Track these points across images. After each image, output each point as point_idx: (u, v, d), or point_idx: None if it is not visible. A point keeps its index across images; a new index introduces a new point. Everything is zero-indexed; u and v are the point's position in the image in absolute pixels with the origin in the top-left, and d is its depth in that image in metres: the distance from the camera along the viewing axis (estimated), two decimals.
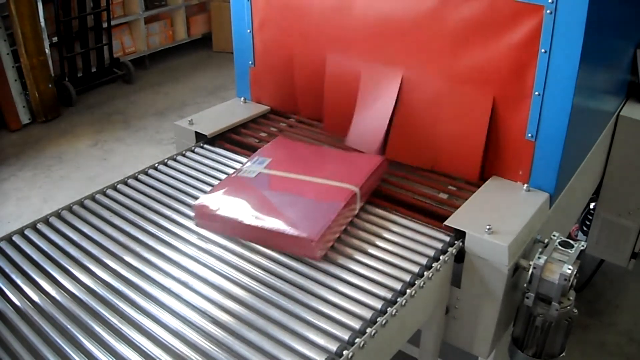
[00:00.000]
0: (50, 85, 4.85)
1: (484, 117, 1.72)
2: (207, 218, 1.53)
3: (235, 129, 2.11)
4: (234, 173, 1.70)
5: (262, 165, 1.70)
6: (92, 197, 1.72)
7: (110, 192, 1.75)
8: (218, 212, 1.51)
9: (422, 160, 1.86)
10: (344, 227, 1.54)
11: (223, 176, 1.81)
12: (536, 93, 1.60)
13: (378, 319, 1.23)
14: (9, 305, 1.30)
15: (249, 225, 1.46)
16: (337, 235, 1.51)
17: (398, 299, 1.30)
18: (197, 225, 1.55)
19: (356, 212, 1.60)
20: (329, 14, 1.94)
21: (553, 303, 1.48)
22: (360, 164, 1.72)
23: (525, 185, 1.71)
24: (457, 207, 1.62)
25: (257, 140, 2.05)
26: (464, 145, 1.78)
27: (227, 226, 1.51)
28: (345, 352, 1.13)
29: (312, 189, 1.59)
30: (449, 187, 1.78)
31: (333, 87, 2.00)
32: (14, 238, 1.54)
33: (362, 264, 1.44)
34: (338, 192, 1.56)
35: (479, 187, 1.72)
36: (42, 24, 4.81)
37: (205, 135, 2.01)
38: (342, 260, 1.45)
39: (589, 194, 2.45)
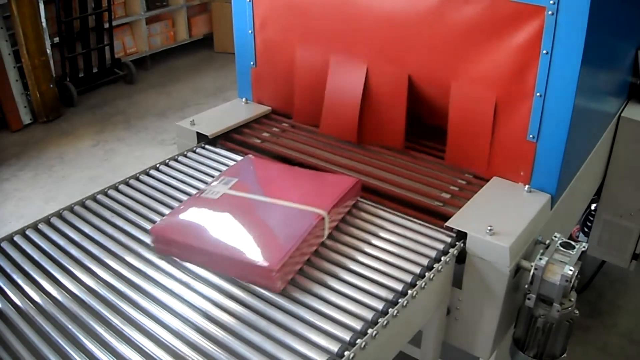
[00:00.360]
0: (51, 86, 4.86)
1: (487, 117, 1.72)
2: (164, 243, 1.43)
3: (237, 130, 2.11)
4: (197, 193, 1.60)
5: (228, 185, 1.60)
6: (93, 198, 1.72)
7: (111, 192, 1.75)
8: (175, 237, 1.41)
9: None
10: (309, 255, 1.43)
11: None
12: (538, 94, 1.60)
13: (379, 320, 1.23)
14: (10, 305, 1.30)
15: (205, 251, 1.37)
16: (301, 264, 1.40)
17: (399, 300, 1.30)
18: (155, 250, 1.45)
19: (324, 237, 1.49)
20: (331, 15, 1.94)
21: (554, 304, 1.48)
22: (331, 186, 1.61)
23: (527, 186, 1.70)
24: (458, 208, 1.62)
25: (258, 141, 2.05)
26: (472, 142, 1.80)
27: (184, 252, 1.41)
28: (346, 353, 1.13)
29: (277, 213, 1.49)
30: (451, 187, 1.77)
31: (334, 86, 2.01)
32: (15, 238, 1.54)
33: (364, 265, 1.44)
34: (304, 217, 1.45)
35: (480, 188, 1.72)
36: (44, 24, 4.81)
37: (207, 136, 2.01)
38: (343, 261, 1.45)
39: (590, 195, 2.45)
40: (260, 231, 1.42)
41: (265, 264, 1.29)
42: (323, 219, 1.46)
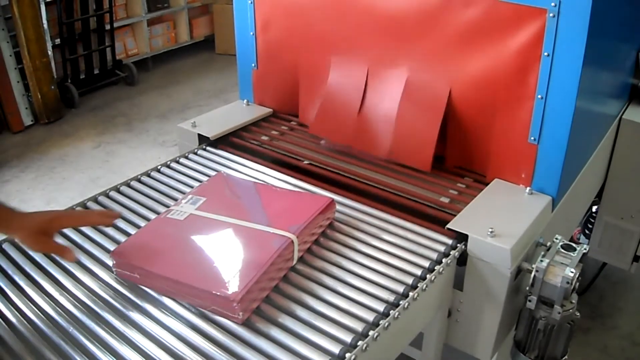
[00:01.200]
0: (52, 87, 4.86)
1: (488, 119, 1.72)
2: (124, 268, 1.35)
3: (238, 132, 2.11)
4: (164, 213, 1.53)
5: (195, 205, 1.53)
6: (94, 199, 1.72)
7: (112, 193, 1.75)
8: (135, 262, 1.34)
9: (425, 162, 1.86)
10: (277, 281, 1.35)
11: None
12: (539, 96, 1.60)
13: (380, 322, 1.23)
14: (11, 307, 1.30)
15: (163, 277, 1.30)
16: (268, 291, 1.32)
17: (400, 302, 1.30)
18: (116, 274, 1.38)
19: (294, 262, 1.42)
20: (333, 17, 1.94)
21: (555, 306, 1.48)
22: (303, 206, 1.53)
23: (528, 188, 1.71)
24: (459, 210, 1.62)
25: (260, 143, 2.05)
26: (473, 144, 1.80)
27: (145, 277, 1.33)
28: (347, 355, 1.13)
29: (243, 236, 1.42)
30: (450, 191, 1.78)
31: (335, 88, 2.01)
32: (16, 240, 1.54)
33: (364, 267, 1.44)
34: (271, 241, 1.38)
35: (481, 190, 1.73)
36: (45, 25, 4.82)
37: (208, 138, 2.01)
38: (344, 262, 1.45)
39: (591, 197, 2.45)
40: (224, 257, 1.35)
41: (225, 293, 1.22)
42: (292, 242, 1.39)
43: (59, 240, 1.52)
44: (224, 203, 1.59)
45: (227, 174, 1.78)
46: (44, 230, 1.29)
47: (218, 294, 1.23)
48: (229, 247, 1.40)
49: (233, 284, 1.24)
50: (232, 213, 1.51)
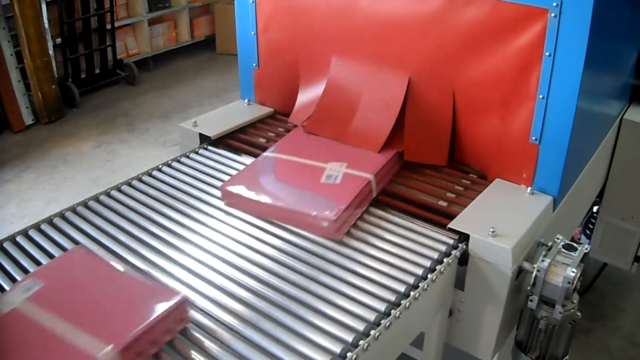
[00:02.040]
0: (53, 87, 4.86)
1: (489, 119, 1.72)
2: None
3: (239, 131, 2.11)
4: None
5: (27, 294, 1.26)
6: (96, 199, 1.72)
7: (114, 193, 1.75)
8: None
9: (437, 159, 1.87)
10: None
11: (226, 178, 1.81)
12: (540, 96, 1.61)
13: (382, 321, 1.23)
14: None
15: None
16: None
17: (402, 302, 1.30)
18: None
19: None
20: (334, 16, 1.94)
21: (557, 306, 1.48)
22: (147, 307, 1.22)
23: (529, 188, 1.70)
24: (460, 210, 1.62)
25: (260, 143, 2.05)
26: (474, 143, 1.80)
27: None
28: (349, 354, 1.13)
29: (55, 352, 1.15)
30: (451, 191, 1.77)
31: (334, 88, 2.00)
32: (17, 239, 1.54)
33: (366, 266, 1.44)
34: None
35: (482, 189, 1.73)
36: (46, 25, 4.82)
37: (209, 137, 2.01)
38: (345, 262, 1.45)
39: (592, 198, 2.45)
40: None
41: None
42: None
43: (61, 240, 1.53)
44: (58, 294, 1.30)
45: (85, 249, 1.46)
46: None
47: None
48: None
49: None
50: (61, 310, 1.24)
